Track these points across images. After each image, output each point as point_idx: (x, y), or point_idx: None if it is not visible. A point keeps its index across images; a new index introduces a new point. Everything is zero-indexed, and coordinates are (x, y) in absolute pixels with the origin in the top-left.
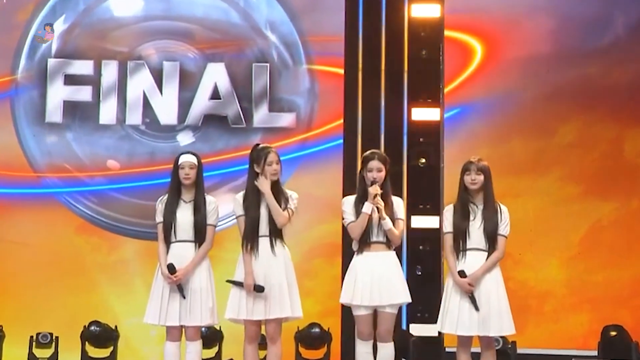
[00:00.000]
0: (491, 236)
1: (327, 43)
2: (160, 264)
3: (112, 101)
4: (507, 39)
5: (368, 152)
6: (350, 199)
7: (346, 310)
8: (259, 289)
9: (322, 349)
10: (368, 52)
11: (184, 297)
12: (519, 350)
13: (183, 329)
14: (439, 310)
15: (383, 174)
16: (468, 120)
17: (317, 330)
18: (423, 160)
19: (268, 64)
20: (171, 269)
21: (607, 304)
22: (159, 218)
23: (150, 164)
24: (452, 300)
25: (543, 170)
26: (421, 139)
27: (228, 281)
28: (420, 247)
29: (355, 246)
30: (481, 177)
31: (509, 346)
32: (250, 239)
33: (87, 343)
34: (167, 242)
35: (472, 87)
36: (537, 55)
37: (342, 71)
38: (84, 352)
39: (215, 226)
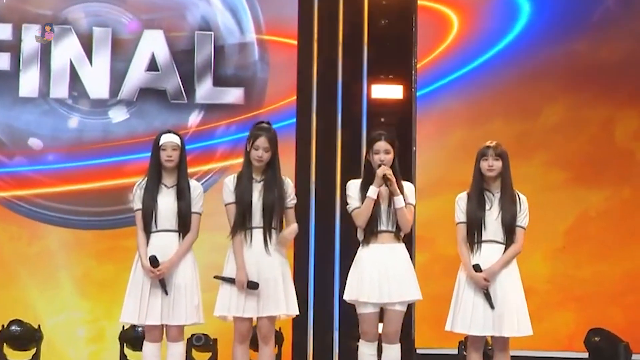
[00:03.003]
0: (509, 227)
1: (279, 10)
2: (140, 255)
3: (34, 71)
4: (486, 10)
5: (375, 132)
6: (356, 183)
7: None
8: (252, 285)
9: (274, 350)
10: (324, 21)
11: (167, 293)
12: None
13: (164, 329)
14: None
15: (391, 156)
16: (443, 99)
17: None
18: None
19: (212, 33)
20: (154, 261)
21: (595, 301)
22: (138, 205)
23: (78, 143)
24: (464, 297)
25: (526, 155)
26: (382, 119)
27: (216, 277)
28: None
29: (360, 236)
30: (499, 163)
31: (490, 348)
32: (241, 230)
33: (5, 345)
34: (147, 231)
35: (447, 63)
36: (520, 29)
37: (295, 42)
38: (2, 355)
39: (200, 214)
